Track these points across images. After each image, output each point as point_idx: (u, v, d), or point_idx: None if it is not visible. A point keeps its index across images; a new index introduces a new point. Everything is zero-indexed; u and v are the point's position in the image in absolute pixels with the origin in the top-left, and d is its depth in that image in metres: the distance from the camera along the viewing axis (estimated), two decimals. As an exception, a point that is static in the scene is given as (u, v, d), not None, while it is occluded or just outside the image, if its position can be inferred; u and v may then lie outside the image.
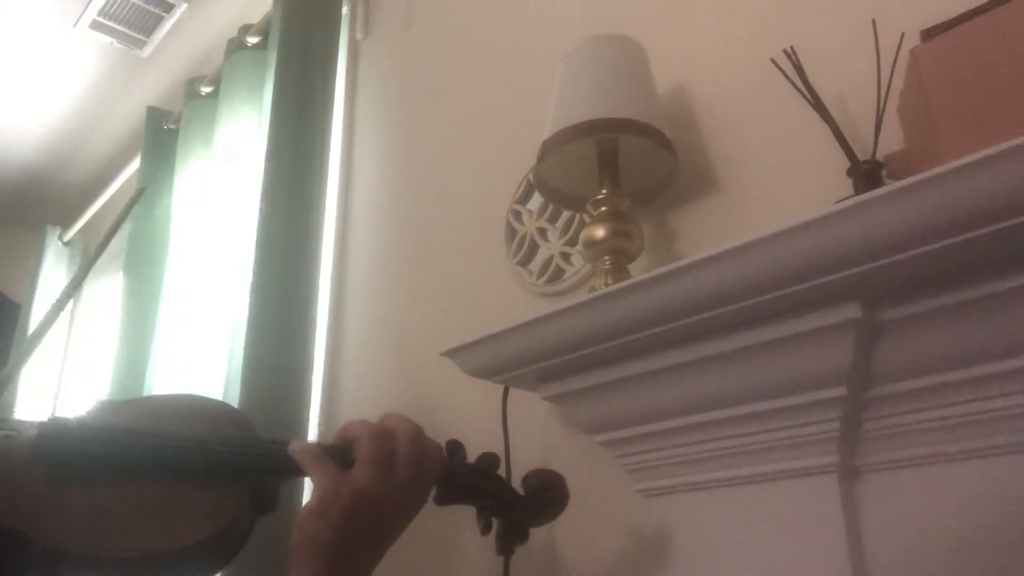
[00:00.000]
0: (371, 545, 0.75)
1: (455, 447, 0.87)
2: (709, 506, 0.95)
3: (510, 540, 0.88)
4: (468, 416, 1.40)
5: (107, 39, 2.66)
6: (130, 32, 2.62)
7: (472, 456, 0.89)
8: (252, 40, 2.20)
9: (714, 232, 1.12)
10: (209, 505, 0.73)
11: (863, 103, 0.96)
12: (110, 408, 0.84)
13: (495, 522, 0.89)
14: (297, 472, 0.84)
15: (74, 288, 0.96)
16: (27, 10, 2.54)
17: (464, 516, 0.91)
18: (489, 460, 0.89)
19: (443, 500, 0.84)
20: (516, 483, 0.91)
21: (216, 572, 0.78)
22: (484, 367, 1.12)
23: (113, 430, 0.75)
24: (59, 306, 0.92)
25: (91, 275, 3.31)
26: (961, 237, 0.68)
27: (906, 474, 0.82)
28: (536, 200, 1.40)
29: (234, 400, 1.63)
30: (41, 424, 0.74)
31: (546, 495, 0.89)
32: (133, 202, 1.04)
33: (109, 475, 0.73)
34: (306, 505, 0.74)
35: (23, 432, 0.74)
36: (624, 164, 1.13)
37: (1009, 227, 0.66)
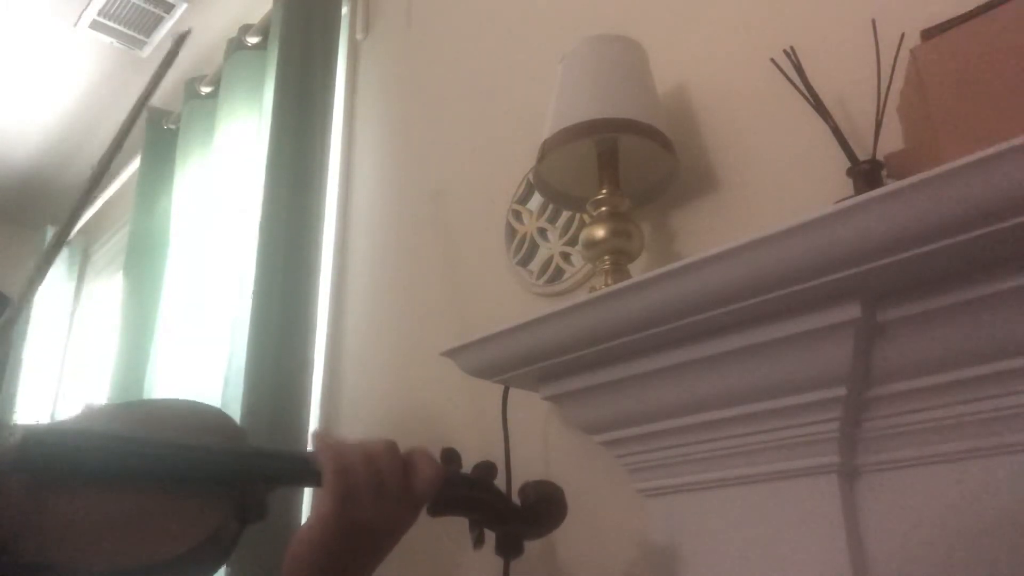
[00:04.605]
0: (361, 563, 0.76)
1: (450, 456, 0.85)
2: (709, 506, 0.95)
3: (505, 553, 0.87)
4: (468, 416, 1.40)
5: (107, 39, 2.66)
6: (130, 32, 2.63)
7: (471, 460, 0.88)
8: (252, 40, 2.20)
9: (714, 232, 1.12)
10: (193, 515, 0.72)
11: (863, 103, 0.96)
12: (98, 412, 0.82)
13: (493, 534, 0.88)
14: (284, 481, 0.83)
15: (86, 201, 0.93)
16: (27, 10, 2.54)
17: (465, 520, 0.91)
18: (484, 469, 0.87)
19: (436, 511, 0.82)
20: (517, 484, 0.91)
21: None
22: (484, 367, 1.12)
23: (97, 436, 0.74)
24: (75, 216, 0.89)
25: (91, 276, 3.31)
26: (961, 237, 0.68)
27: (906, 474, 0.82)
28: (536, 200, 1.40)
29: (235, 400, 1.63)
30: (25, 429, 0.72)
31: (543, 508, 0.87)
32: (174, 53, 0.99)
33: (92, 483, 0.71)
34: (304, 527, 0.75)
35: (7, 437, 0.73)
36: (624, 164, 1.13)
37: (1008, 227, 0.66)
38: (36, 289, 0.85)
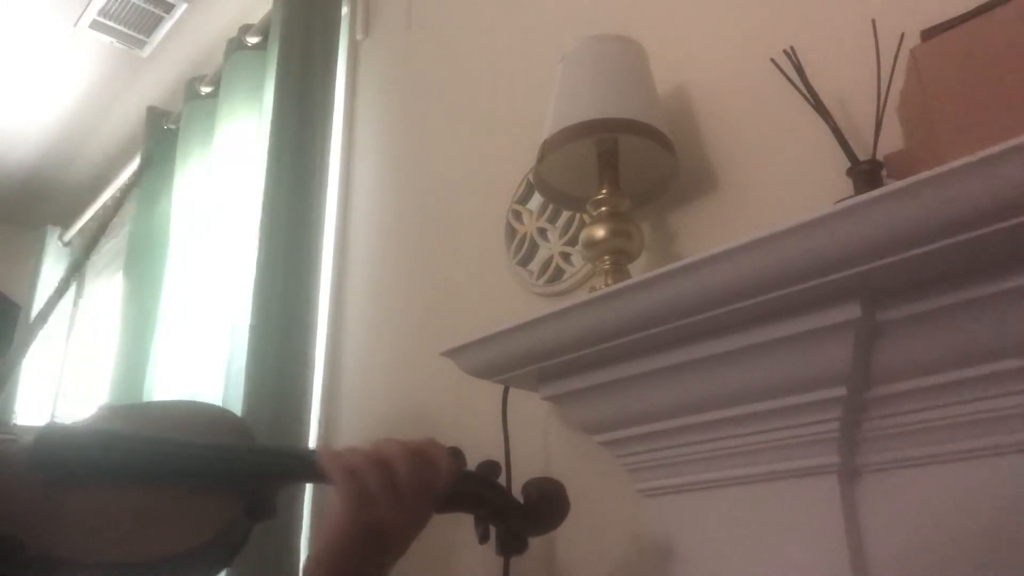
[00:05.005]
0: (379, 564, 0.77)
1: (455, 454, 0.86)
2: (709, 506, 0.95)
3: (508, 549, 0.87)
4: (468, 416, 1.40)
5: (107, 39, 2.66)
6: (130, 32, 2.62)
7: (472, 460, 0.89)
8: (252, 40, 2.20)
9: (714, 232, 1.12)
10: (203, 512, 0.73)
11: (863, 103, 0.96)
12: (111, 413, 0.84)
13: (494, 530, 0.88)
14: (293, 478, 0.84)
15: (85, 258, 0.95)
16: (27, 10, 2.54)
17: (466, 518, 0.91)
18: (488, 468, 0.88)
19: (441, 508, 0.83)
20: (517, 483, 0.91)
21: None
22: (484, 367, 1.12)
23: (110, 436, 0.76)
24: (64, 285, 0.90)
25: (91, 276, 3.31)
26: (961, 237, 0.68)
27: (906, 474, 0.82)
28: (536, 200, 1.40)
29: (235, 400, 1.63)
30: (39, 429, 0.74)
31: (545, 505, 0.88)
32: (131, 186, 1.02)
33: (105, 481, 0.73)
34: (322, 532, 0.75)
35: (21, 436, 0.74)
36: (624, 164, 1.13)
37: (1009, 227, 0.66)
38: (49, 316, 0.86)
